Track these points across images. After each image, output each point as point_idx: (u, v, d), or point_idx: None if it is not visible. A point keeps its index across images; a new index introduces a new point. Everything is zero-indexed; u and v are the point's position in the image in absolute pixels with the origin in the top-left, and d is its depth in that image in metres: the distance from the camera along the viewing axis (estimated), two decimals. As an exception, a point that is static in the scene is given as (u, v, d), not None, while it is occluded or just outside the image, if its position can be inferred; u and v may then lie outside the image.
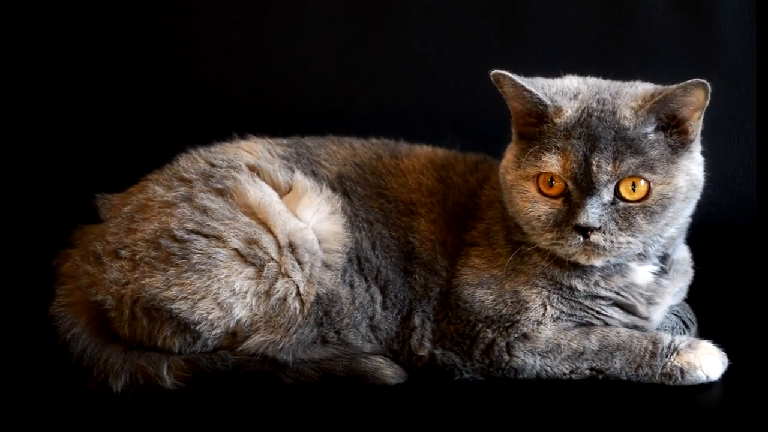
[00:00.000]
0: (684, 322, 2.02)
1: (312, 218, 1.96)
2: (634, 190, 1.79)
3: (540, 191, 1.85)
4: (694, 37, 2.63)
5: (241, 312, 1.87)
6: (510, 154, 1.92)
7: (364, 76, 2.74)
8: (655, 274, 1.93)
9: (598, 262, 1.86)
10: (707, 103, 1.81)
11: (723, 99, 2.61)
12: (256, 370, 1.90)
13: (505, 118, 1.93)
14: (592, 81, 1.93)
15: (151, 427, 1.79)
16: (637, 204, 1.80)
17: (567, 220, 1.81)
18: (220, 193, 1.93)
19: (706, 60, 2.62)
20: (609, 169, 1.78)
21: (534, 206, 1.85)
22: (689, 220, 1.95)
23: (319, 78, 2.75)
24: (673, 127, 1.82)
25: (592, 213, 1.78)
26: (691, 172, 1.84)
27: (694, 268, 2.05)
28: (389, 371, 1.93)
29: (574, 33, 2.66)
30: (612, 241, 1.80)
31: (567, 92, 1.88)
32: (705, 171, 1.89)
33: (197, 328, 1.88)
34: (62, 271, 2.00)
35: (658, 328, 1.97)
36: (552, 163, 1.82)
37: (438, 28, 2.72)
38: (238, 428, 1.76)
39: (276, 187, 1.99)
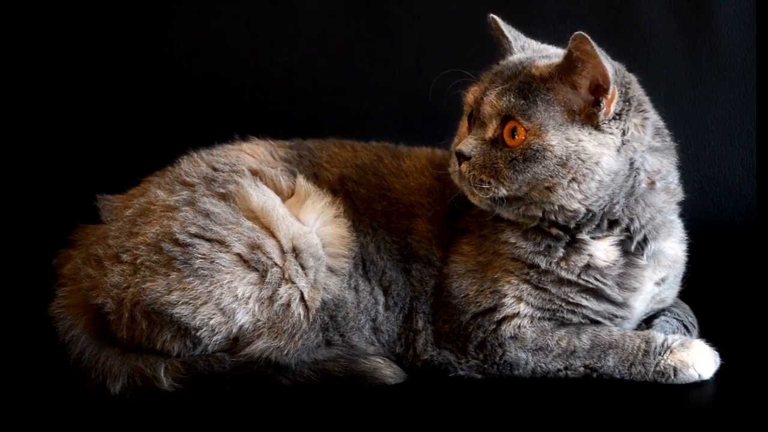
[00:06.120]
0: (685, 326, 2.01)
1: (315, 222, 1.96)
2: (513, 136, 1.81)
3: (469, 130, 1.92)
4: (694, 37, 2.63)
5: (243, 318, 1.86)
6: None
7: (364, 78, 2.75)
8: (624, 251, 1.89)
9: (475, 200, 1.87)
10: (609, 70, 1.76)
11: (723, 99, 2.62)
12: (253, 372, 1.90)
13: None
14: None
15: (148, 429, 1.79)
16: (507, 149, 1.82)
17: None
18: (223, 197, 1.93)
19: (706, 60, 2.63)
20: (492, 100, 1.83)
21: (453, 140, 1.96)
22: (617, 202, 1.86)
23: (320, 80, 2.76)
24: (592, 103, 1.80)
25: (468, 141, 1.85)
26: (580, 144, 1.79)
27: (687, 266, 2.03)
28: (388, 371, 1.93)
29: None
30: (474, 175, 1.83)
31: (536, 49, 1.98)
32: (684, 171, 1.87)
33: (198, 333, 1.87)
34: (63, 272, 2.00)
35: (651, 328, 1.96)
36: (470, 92, 1.92)
37: (438, 29, 2.73)
38: (236, 429, 1.76)
39: (278, 191, 1.98)
